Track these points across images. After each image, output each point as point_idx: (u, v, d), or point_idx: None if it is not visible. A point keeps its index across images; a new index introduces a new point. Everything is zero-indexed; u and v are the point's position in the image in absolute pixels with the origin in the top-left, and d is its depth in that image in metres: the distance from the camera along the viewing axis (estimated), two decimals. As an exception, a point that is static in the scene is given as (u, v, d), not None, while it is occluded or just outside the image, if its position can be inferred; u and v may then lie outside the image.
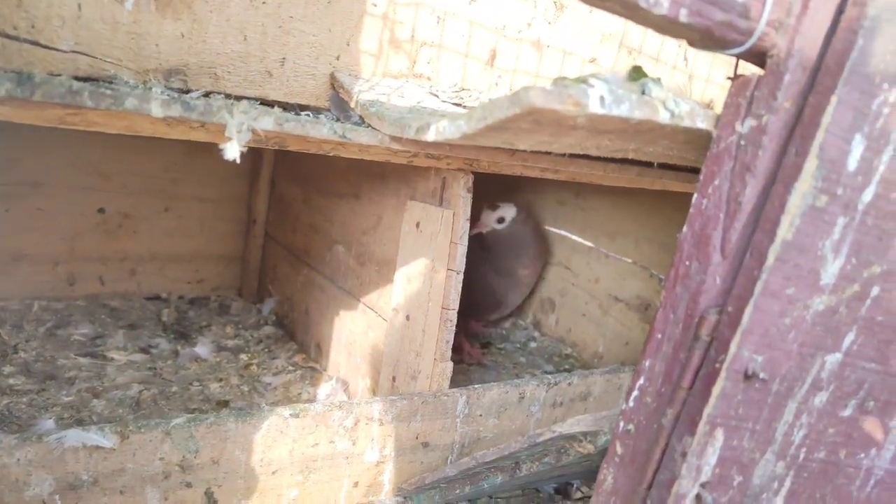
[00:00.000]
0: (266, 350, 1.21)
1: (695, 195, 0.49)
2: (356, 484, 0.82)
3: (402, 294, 0.90)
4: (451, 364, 0.87)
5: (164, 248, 1.38)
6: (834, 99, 0.41)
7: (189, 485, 0.70)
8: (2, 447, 0.60)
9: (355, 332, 1.04)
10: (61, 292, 1.27)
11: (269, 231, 1.43)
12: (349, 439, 0.79)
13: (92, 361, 1.06)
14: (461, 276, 0.83)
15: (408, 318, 0.89)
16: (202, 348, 1.15)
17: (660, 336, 0.51)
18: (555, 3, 0.95)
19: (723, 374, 0.46)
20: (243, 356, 1.16)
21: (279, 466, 0.75)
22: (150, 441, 0.67)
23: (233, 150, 0.50)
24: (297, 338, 1.26)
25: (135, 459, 0.66)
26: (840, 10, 0.42)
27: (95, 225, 1.29)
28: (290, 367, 1.15)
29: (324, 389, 1.07)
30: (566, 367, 1.33)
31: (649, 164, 0.87)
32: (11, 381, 0.96)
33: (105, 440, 0.64)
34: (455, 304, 0.84)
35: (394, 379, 0.92)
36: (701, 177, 0.48)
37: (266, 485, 0.75)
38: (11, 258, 1.22)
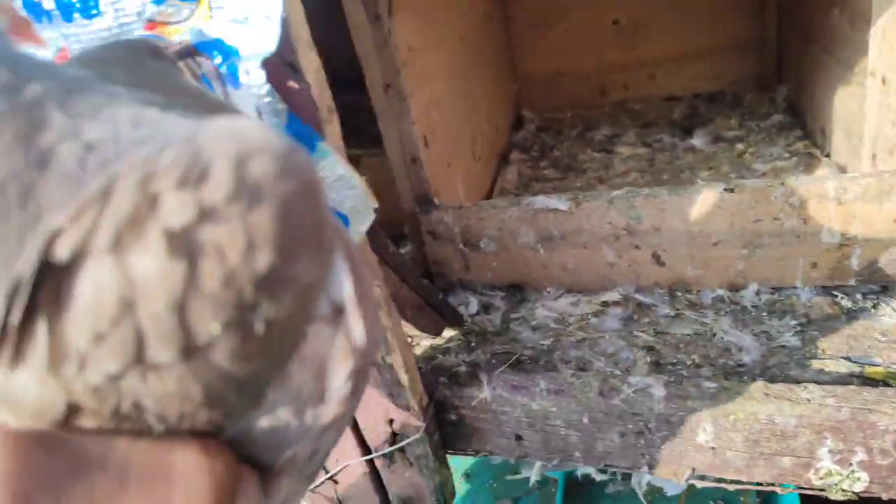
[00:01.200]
0: (767, 139, 1.17)
1: None
2: (814, 265, 0.78)
3: (876, 52, 0.74)
4: (948, 132, 0.69)
5: (677, 47, 1.43)
6: None
7: (637, 247, 0.82)
8: (500, 206, 0.84)
9: (851, 108, 0.90)
10: (591, 101, 1.50)
11: (781, 8, 1.29)
12: (798, 218, 0.75)
13: (604, 156, 1.26)
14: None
15: (883, 81, 0.73)
16: (699, 140, 1.20)
17: None
18: None
19: None
20: (739, 145, 1.16)
21: (720, 238, 0.79)
22: (597, 208, 0.81)
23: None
24: (807, 125, 1.15)
25: (589, 222, 0.82)
26: None
27: (614, 36, 1.44)
28: (787, 154, 1.09)
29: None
30: None
31: None
32: (545, 172, 1.24)
33: (561, 205, 0.81)
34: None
35: (874, 157, 0.79)
36: None
37: (709, 254, 0.80)
38: (554, 74, 1.50)
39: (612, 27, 1.44)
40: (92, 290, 0.18)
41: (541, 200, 0.81)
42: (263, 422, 0.22)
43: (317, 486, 0.71)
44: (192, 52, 0.40)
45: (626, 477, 0.84)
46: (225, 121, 0.21)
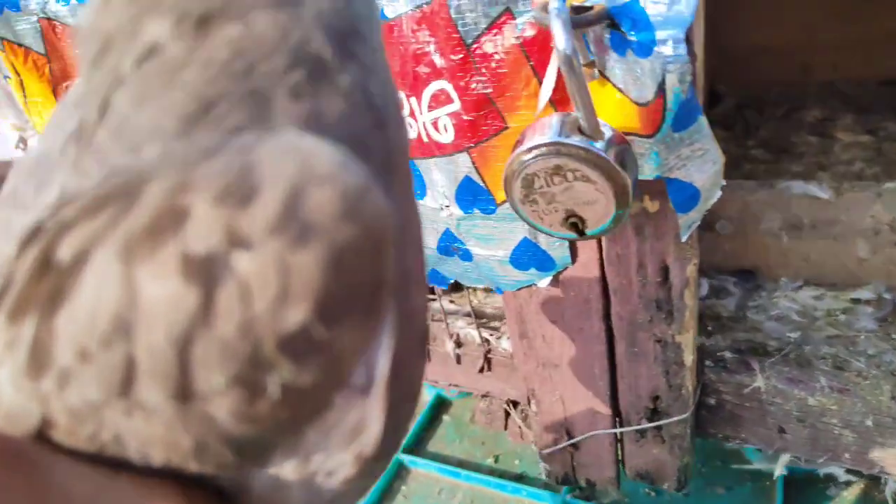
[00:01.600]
0: None
1: None
2: None
3: None
4: None
5: (905, 27, 1.31)
6: None
7: (899, 245, 0.77)
8: (747, 188, 0.81)
9: None
10: (793, 79, 1.41)
11: None
12: None
13: (820, 140, 1.18)
14: None
15: None
16: (936, 132, 1.10)
17: None
18: None
19: None
20: None
21: None
22: (862, 199, 0.76)
23: None
24: None
25: (848, 213, 0.77)
26: None
27: (831, 11, 1.33)
28: None
29: None
30: None
31: None
32: (753, 152, 1.19)
33: (823, 193, 0.77)
34: None
35: None
36: None
37: None
38: (755, 50, 1.42)
39: (831, 1, 1.33)
40: (89, 299, 0.16)
41: (799, 186, 0.77)
42: (263, 479, 0.20)
43: (555, 449, 0.72)
44: (605, 16, 0.40)
45: (850, 483, 0.81)
46: (295, 137, 0.17)
